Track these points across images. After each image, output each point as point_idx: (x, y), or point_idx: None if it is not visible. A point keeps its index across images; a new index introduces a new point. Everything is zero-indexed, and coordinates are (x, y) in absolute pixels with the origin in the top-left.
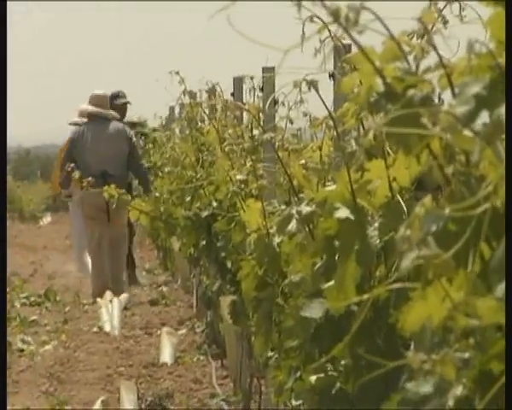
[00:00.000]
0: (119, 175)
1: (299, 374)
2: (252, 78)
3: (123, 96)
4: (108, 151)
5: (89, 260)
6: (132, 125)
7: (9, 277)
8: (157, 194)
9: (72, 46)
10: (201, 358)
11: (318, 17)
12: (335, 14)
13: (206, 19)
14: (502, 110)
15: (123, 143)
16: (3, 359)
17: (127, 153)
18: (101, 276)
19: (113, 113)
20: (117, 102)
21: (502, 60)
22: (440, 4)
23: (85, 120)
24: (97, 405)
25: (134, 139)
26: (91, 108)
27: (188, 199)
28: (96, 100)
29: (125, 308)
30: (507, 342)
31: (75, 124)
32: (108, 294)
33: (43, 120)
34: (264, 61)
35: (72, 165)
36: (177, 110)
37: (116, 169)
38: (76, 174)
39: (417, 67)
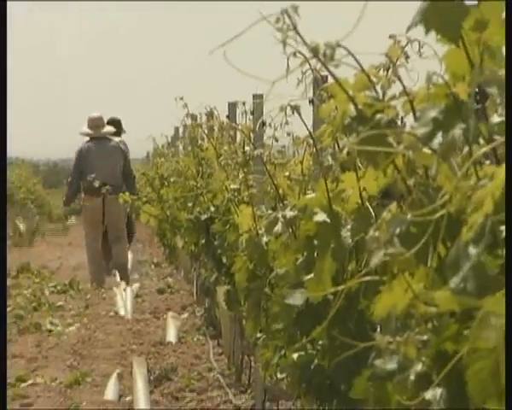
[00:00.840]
0: (116, 185)
1: (283, 352)
2: (244, 103)
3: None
4: (106, 166)
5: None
6: None
7: (40, 269)
8: (164, 200)
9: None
10: (201, 338)
11: (301, 53)
12: (315, 51)
13: (207, 54)
14: (456, 131)
15: (118, 157)
16: (3, 358)
17: (122, 165)
18: (94, 270)
19: (107, 130)
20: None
21: (455, 89)
22: (403, 42)
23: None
24: (113, 377)
25: (127, 152)
26: (87, 131)
27: (190, 204)
28: (91, 122)
29: (137, 296)
30: (507, 342)
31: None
32: (122, 284)
33: (68, 136)
34: (255, 89)
35: (93, 175)
36: (181, 130)
37: (113, 180)
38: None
39: (384, 94)
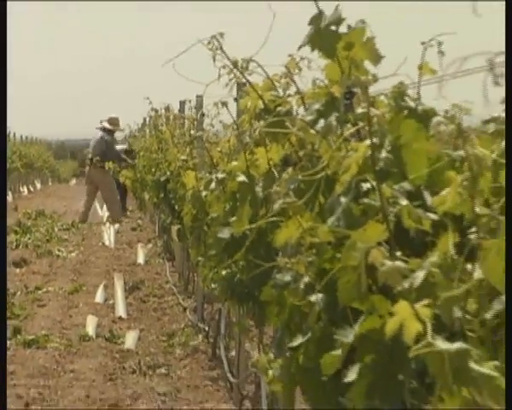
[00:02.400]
0: (101, 159)
1: (215, 270)
2: (190, 101)
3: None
4: (96, 147)
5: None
6: (129, 152)
7: (51, 214)
8: (136, 167)
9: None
10: (160, 261)
11: (228, 65)
12: (234, 64)
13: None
14: (332, 118)
15: (102, 144)
16: (3, 358)
17: (105, 147)
18: (81, 213)
19: (104, 126)
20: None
21: (332, 90)
22: (297, 58)
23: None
24: (101, 287)
25: (107, 140)
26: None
27: (153, 170)
28: (110, 121)
29: (117, 232)
30: (507, 342)
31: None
32: (108, 224)
33: (72, 119)
34: (197, 91)
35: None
36: (147, 119)
37: (99, 156)
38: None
39: (284, 93)
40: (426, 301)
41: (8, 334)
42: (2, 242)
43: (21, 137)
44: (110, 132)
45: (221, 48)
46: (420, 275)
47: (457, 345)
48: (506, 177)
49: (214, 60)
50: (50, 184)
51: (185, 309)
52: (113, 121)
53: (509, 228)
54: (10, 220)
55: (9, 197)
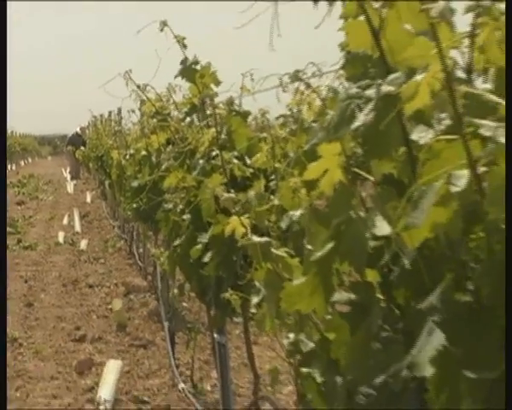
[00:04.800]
0: (73, 147)
1: (130, 204)
2: (114, 110)
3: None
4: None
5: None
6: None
7: (37, 176)
8: (86, 149)
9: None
10: (99, 200)
11: (135, 90)
12: (138, 86)
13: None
14: (193, 116)
15: (74, 140)
16: (3, 358)
17: (75, 142)
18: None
19: (77, 131)
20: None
21: (194, 100)
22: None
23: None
24: (66, 216)
25: (77, 138)
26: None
27: (94, 150)
28: (82, 129)
29: (75, 185)
30: (507, 343)
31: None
32: (70, 180)
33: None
34: (118, 103)
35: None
36: (90, 122)
37: (72, 145)
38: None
39: (166, 103)
40: (247, 215)
41: (14, 242)
42: (2, 242)
43: (20, 133)
44: (79, 135)
45: (130, 78)
46: (244, 199)
47: (264, 239)
48: (506, 177)
49: (127, 84)
50: (36, 159)
51: (114, 227)
52: (83, 130)
53: (509, 228)
54: (13, 180)
55: (14, 166)
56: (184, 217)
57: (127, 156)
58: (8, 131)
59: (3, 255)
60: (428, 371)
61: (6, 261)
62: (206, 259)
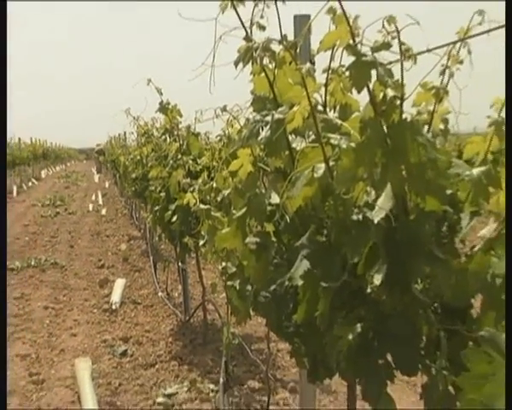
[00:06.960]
0: (98, 155)
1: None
2: (129, 130)
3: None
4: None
5: None
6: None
7: (77, 171)
8: (105, 157)
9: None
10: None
11: (132, 119)
12: (135, 118)
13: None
14: (167, 136)
15: (99, 151)
16: (3, 358)
17: (100, 152)
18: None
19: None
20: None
21: (167, 127)
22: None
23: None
24: (93, 195)
25: (100, 150)
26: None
27: (109, 158)
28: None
29: (99, 178)
30: (507, 343)
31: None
32: (97, 175)
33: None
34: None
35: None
36: (107, 141)
37: (98, 154)
38: None
39: (151, 127)
40: (197, 193)
41: (63, 210)
42: (3, 242)
43: (67, 147)
44: (100, 149)
45: (129, 113)
46: (196, 185)
47: (207, 206)
48: (506, 177)
49: (127, 116)
50: (77, 162)
51: (121, 201)
52: (99, 145)
53: (509, 228)
54: (63, 174)
55: (64, 166)
56: (161, 194)
57: (129, 159)
58: (64, 144)
59: (3, 255)
60: (299, 282)
61: (6, 261)
62: (174, 219)
